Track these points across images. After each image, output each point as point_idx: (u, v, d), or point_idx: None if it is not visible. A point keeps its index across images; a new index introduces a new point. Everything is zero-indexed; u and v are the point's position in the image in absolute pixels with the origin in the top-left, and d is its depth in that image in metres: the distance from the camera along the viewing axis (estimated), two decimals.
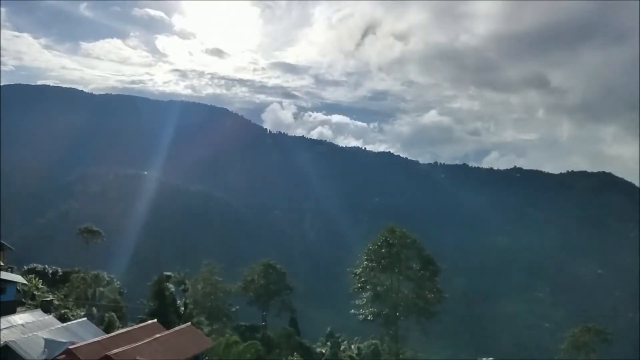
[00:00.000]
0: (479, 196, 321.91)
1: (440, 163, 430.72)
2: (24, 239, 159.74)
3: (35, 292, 56.98)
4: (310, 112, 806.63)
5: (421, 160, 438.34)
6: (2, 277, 44.08)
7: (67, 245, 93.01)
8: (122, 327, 48.13)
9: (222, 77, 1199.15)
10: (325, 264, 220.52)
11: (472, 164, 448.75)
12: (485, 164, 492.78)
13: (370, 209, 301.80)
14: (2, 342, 32.58)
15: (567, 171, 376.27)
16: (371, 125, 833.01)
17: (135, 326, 41.11)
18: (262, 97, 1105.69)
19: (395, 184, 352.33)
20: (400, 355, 52.56)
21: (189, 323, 45.44)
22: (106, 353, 29.56)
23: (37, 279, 61.71)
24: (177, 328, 40.73)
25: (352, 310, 51.28)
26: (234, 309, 68.54)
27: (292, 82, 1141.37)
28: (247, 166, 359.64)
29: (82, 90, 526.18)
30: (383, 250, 49.37)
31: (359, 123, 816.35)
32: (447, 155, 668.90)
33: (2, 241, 53.97)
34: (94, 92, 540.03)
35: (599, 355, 61.01)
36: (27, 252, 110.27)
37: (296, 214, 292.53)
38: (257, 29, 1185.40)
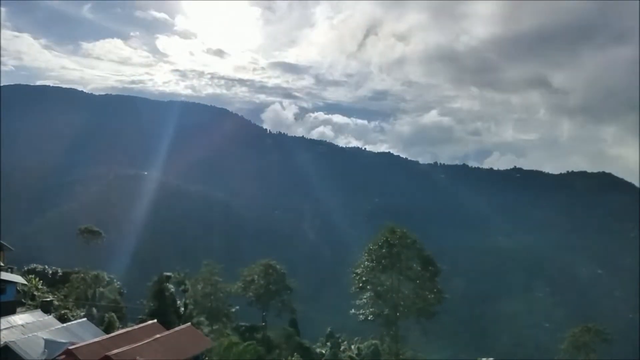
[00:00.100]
0: (479, 196, 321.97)
1: (440, 163, 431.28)
2: (24, 239, 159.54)
3: (35, 293, 57.03)
4: (310, 112, 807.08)
5: (421, 161, 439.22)
6: (2, 277, 44.08)
7: (67, 245, 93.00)
8: (122, 328, 48.18)
9: (222, 77, 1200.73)
10: (325, 264, 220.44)
11: (472, 164, 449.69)
12: (485, 164, 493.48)
13: (370, 209, 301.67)
14: (2, 343, 32.59)
15: (567, 171, 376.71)
16: (371, 126, 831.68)
17: (135, 326, 41.13)
18: (262, 97, 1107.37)
19: (395, 184, 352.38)
20: (400, 356, 52.53)
21: (189, 323, 45.48)
22: (106, 353, 29.58)
23: (37, 279, 61.77)
24: (177, 328, 40.77)
25: (352, 311, 51.24)
26: (234, 310, 68.46)
27: (292, 82, 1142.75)
28: (247, 166, 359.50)
29: (82, 91, 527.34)
30: (383, 251, 49.35)
31: (359, 123, 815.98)
32: (447, 156, 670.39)
33: (2, 241, 53.94)
34: (93, 92, 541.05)
35: (599, 355, 60.99)
36: (27, 252, 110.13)
37: (296, 214, 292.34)
38: (257, 29, 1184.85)
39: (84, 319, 44.93)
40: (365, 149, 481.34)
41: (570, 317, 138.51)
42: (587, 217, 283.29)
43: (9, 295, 43.92)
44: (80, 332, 38.80)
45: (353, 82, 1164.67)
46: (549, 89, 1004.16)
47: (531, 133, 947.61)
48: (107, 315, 54.61)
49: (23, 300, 51.13)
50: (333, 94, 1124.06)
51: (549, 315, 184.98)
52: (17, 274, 55.10)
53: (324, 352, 67.51)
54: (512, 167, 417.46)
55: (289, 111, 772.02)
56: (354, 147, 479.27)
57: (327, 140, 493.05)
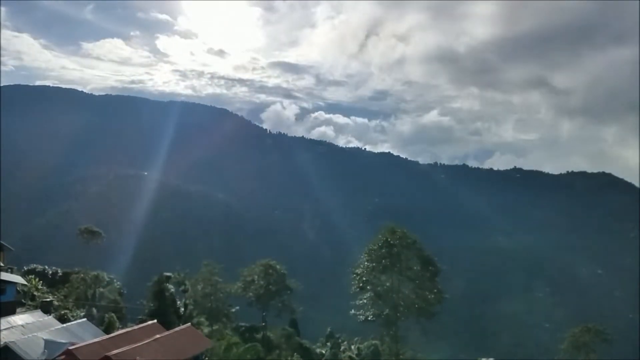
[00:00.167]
0: (479, 196, 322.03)
1: (440, 163, 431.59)
2: (24, 239, 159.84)
3: (35, 293, 57.00)
4: (310, 112, 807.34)
5: (421, 161, 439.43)
6: (2, 277, 44.03)
7: (67, 245, 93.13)
8: (122, 328, 48.14)
9: (222, 77, 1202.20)
10: (325, 264, 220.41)
11: (472, 164, 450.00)
12: (485, 164, 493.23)
13: (370, 209, 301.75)
14: (2, 343, 32.58)
15: (567, 171, 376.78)
16: (371, 126, 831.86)
17: (135, 327, 41.10)
18: (262, 97, 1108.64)
19: (395, 184, 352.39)
20: (400, 356, 52.52)
21: (188, 324, 45.46)
22: (106, 354, 29.57)
23: (37, 279, 61.74)
24: (177, 329, 40.73)
25: (353, 311, 51.22)
26: (234, 310, 68.45)
27: (292, 82, 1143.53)
28: (247, 166, 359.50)
29: (81, 91, 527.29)
30: (383, 251, 49.31)
31: (359, 123, 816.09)
32: (447, 156, 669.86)
33: (2, 242, 53.89)
34: (93, 93, 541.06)
35: (599, 355, 61.00)
36: (27, 252, 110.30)
37: (296, 214, 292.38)
38: (258, 29, 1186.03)
39: (84, 319, 44.88)
40: (365, 149, 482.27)
41: (570, 317, 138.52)
42: (587, 217, 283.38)
43: (8, 295, 43.88)
44: (80, 332, 38.78)
45: (353, 82, 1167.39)
46: (549, 89, 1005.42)
47: (531, 133, 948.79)
48: (107, 315, 54.59)
49: (23, 300, 51.11)
50: (333, 94, 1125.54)
51: (549, 315, 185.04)
52: (17, 274, 55.09)
53: (324, 352, 67.49)
54: (512, 167, 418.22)
55: (289, 111, 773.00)
56: (354, 147, 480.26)
57: (327, 140, 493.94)
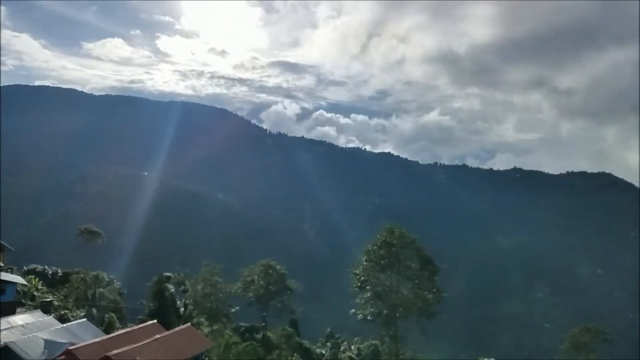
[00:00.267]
0: (479, 196, 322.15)
1: (440, 163, 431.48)
2: (24, 239, 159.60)
3: (35, 293, 56.99)
4: (310, 112, 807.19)
5: (421, 161, 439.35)
6: (2, 277, 44.03)
7: (67, 245, 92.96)
8: (122, 328, 48.17)
9: (222, 77, 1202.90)
10: (325, 264, 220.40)
11: (472, 164, 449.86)
12: (485, 164, 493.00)
13: (370, 209, 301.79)
14: (2, 343, 32.59)
15: (567, 171, 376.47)
16: (371, 126, 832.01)
17: (135, 327, 41.10)
18: (262, 97, 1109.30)
19: (395, 184, 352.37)
20: (400, 356, 52.47)
21: (188, 324, 45.46)
22: (106, 354, 29.58)
23: (37, 279, 61.74)
24: (177, 329, 40.74)
25: (352, 311, 51.19)
26: (233, 310, 68.38)
27: (292, 81, 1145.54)
28: (247, 166, 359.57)
29: (81, 91, 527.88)
30: (382, 251, 49.25)
31: (360, 123, 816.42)
32: (447, 156, 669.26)
33: (2, 242, 53.89)
34: (93, 93, 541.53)
35: (599, 355, 60.99)
36: (27, 252, 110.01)
37: (296, 214, 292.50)
38: (258, 29, 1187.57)
39: (84, 319, 44.88)
40: (365, 149, 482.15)
41: (570, 317, 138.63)
42: (587, 217, 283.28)
43: (8, 295, 43.87)
44: (80, 332, 38.79)
45: (353, 82, 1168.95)
46: (550, 89, 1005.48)
47: (531, 133, 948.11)
48: (107, 315, 54.62)
49: (23, 300, 51.11)
50: (333, 94, 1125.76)
51: (549, 315, 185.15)
52: (17, 275, 55.08)
53: (324, 352, 67.50)
54: (512, 167, 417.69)
55: (289, 111, 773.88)
56: (354, 147, 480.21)
57: (327, 140, 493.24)
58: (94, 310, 58.38)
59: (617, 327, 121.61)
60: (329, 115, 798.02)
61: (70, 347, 30.96)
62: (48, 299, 50.36)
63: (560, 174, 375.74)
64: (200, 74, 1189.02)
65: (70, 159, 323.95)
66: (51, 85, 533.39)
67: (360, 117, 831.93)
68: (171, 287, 62.03)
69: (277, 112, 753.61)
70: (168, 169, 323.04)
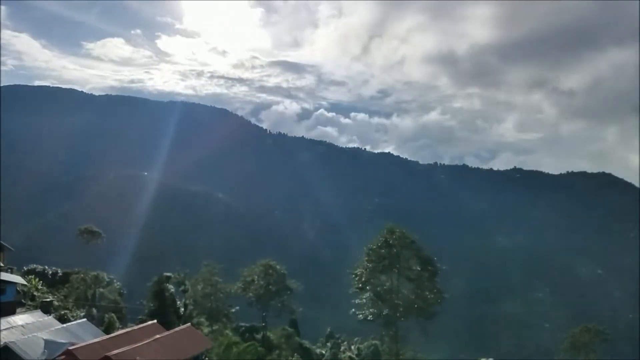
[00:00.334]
0: (479, 197, 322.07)
1: (440, 163, 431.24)
2: (24, 239, 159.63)
3: (35, 293, 57.01)
4: (310, 112, 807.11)
5: (421, 161, 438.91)
6: (2, 278, 44.04)
7: (67, 246, 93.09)
8: (122, 328, 48.16)
9: (222, 77, 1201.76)
10: (325, 264, 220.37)
11: (472, 164, 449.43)
12: (486, 164, 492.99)
13: (370, 209, 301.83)
14: (2, 343, 32.59)
15: (567, 172, 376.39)
16: (371, 126, 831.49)
17: (135, 327, 41.09)
18: (262, 97, 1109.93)
19: (395, 184, 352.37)
20: (400, 356, 52.50)
21: (188, 324, 45.46)
22: (106, 354, 29.57)
23: (37, 279, 61.77)
24: (177, 329, 40.73)
25: (353, 311, 51.22)
26: (233, 310, 68.41)
27: (292, 81, 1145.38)
28: (247, 166, 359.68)
29: (81, 91, 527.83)
30: (383, 251, 49.30)
31: (360, 123, 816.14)
32: (447, 156, 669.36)
33: (2, 242, 53.89)
34: (93, 93, 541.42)
35: (599, 355, 61.06)
36: (27, 252, 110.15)
37: (296, 214, 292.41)
38: (258, 29, 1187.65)
39: (84, 319, 44.87)
40: (365, 149, 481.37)
41: (570, 318, 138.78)
42: (587, 217, 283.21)
43: (8, 295, 43.88)
44: (80, 332, 38.77)
45: (353, 82, 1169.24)
46: (550, 89, 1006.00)
47: (531, 133, 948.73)
48: (107, 315, 54.62)
49: (23, 300, 51.12)
50: (333, 94, 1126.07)
51: (549, 315, 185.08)
52: (17, 275, 55.09)
53: (324, 352, 67.54)
54: (512, 167, 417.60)
55: (289, 111, 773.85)
56: (354, 147, 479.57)
57: (327, 140, 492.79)
58: (94, 310, 58.40)
59: (617, 327, 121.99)
60: (329, 115, 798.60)
61: (70, 347, 30.96)
62: (48, 299, 50.38)
63: (560, 174, 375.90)
64: (200, 74, 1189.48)
65: (70, 159, 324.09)
66: (51, 85, 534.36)
67: (361, 117, 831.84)
68: (171, 287, 62.04)
69: (277, 112, 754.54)
70: (168, 169, 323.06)
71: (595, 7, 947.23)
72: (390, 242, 48.84)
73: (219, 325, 62.40)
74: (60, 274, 70.46)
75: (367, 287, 49.84)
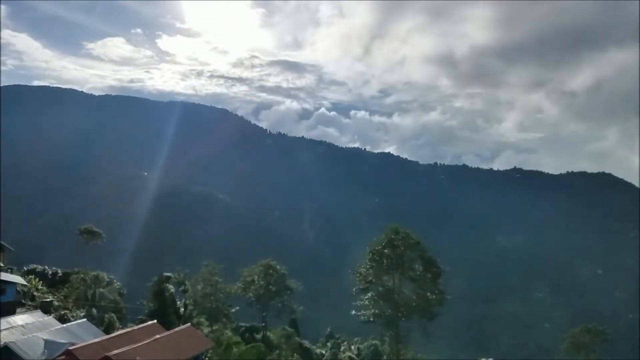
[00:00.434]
0: (479, 197, 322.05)
1: (440, 164, 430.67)
2: (24, 239, 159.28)
3: (35, 293, 57.01)
4: (310, 112, 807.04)
5: (421, 161, 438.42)
6: (2, 278, 44.03)
7: (67, 246, 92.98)
8: (122, 328, 48.15)
9: (222, 76, 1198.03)
10: (326, 264, 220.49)
11: (472, 164, 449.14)
12: (486, 164, 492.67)
13: (370, 209, 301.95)
14: (2, 343, 32.57)
15: (567, 171, 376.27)
16: (371, 126, 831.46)
17: (135, 327, 41.08)
18: (262, 97, 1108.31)
19: (395, 184, 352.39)
20: (401, 356, 52.46)
21: (188, 324, 45.45)
22: (106, 354, 29.55)
23: (37, 279, 61.76)
24: (177, 329, 40.72)
25: (354, 312, 51.15)
26: (233, 310, 68.36)
27: (292, 81, 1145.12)
28: (247, 166, 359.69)
29: (81, 91, 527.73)
30: (386, 251, 49.20)
31: (360, 123, 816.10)
32: (447, 156, 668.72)
33: (2, 242, 53.90)
34: (93, 93, 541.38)
35: (599, 355, 61.09)
36: (27, 253, 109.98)
37: (296, 214, 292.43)
38: (258, 29, 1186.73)
39: (84, 319, 44.87)
40: (365, 149, 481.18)
41: (570, 318, 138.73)
42: (587, 217, 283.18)
43: (8, 295, 43.87)
44: (80, 332, 38.77)
45: (353, 82, 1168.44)
46: (550, 89, 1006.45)
47: (531, 133, 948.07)
48: (107, 315, 54.63)
49: (23, 300, 51.11)
50: (334, 94, 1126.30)
51: (549, 316, 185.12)
52: (17, 275, 55.08)
53: (324, 352, 67.55)
54: (512, 167, 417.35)
55: (289, 111, 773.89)
56: (354, 147, 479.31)
57: (327, 140, 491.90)
58: (94, 310, 58.39)
59: (617, 327, 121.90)
60: (329, 115, 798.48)
61: (70, 347, 30.92)
62: (48, 299, 50.41)
63: (560, 174, 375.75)
64: (200, 73, 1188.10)
65: (70, 159, 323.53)
66: (51, 85, 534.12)
67: (361, 117, 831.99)
68: (171, 287, 62.01)
69: (277, 112, 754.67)
70: (168, 169, 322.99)
71: (596, 7, 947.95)
72: (395, 242, 48.75)
73: (219, 325, 62.39)
74: (60, 274, 70.43)
75: (370, 287, 49.77)
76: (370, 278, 49.48)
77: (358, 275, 50.11)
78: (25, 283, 52.98)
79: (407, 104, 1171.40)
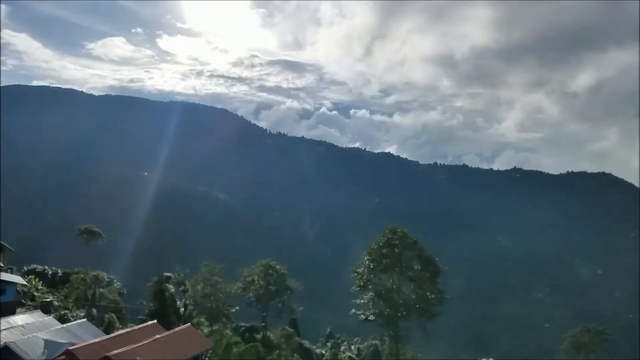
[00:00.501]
0: (479, 197, 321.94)
1: (440, 163, 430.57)
2: (24, 239, 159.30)
3: (35, 293, 57.03)
4: (311, 112, 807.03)
5: (421, 161, 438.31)
6: (2, 278, 44.04)
7: (67, 245, 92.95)
8: (122, 328, 48.16)
9: (222, 76, 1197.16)
10: (325, 264, 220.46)
11: (472, 164, 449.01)
12: (486, 164, 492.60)
13: (370, 209, 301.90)
14: (2, 343, 32.58)
15: (567, 171, 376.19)
16: (371, 126, 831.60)
17: (135, 327, 41.09)
18: (262, 97, 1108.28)
19: (395, 184, 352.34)
20: (401, 356, 52.47)
21: (188, 324, 45.45)
22: (106, 354, 29.55)
23: (37, 279, 61.80)
24: (177, 329, 40.73)
25: (353, 311, 51.17)
26: (233, 310, 68.36)
27: (292, 81, 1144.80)
28: (247, 166, 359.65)
29: (81, 91, 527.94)
30: (384, 251, 49.26)
31: (360, 123, 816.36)
32: (448, 156, 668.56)
33: (2, 242, 53.89)
34: (93, 93, 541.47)
35: (599, 355, 61.09)
36: (27, 253, 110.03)
37: (296, 214, 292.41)
38: (259, 28, 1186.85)
39: (84, 319, 44.89)
40: (365, 149, 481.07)
41: (570, 318, 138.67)
42: (587, 217, 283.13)
43: (8, 295, 43.88)
44: (80, 332, 38.78)
45: (353, 82, 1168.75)
46: (550, 90, 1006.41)
47: (532, 133, 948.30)
48: (107, 315, 54.64)
49: (23, 300, 51.13)
50: (335, 94, 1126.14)
51: (549, 316, 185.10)
52: (17, 275, 55.08)
53: (324, 352, 67.56)
54: (512, 167, 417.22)
55: (289, 111, 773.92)
56: (354, 147, 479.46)
57: (327, 140, 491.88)
58: (94, 310, 58.42)
59: (617, 327, 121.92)
60: (329, 115, 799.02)
61: (70, 347, 30.93)
62: (48, 299, 50.41)
63: (560, 174, 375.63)
64: (200, 73, 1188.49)
65: (70, 159, 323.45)
66: (50, 85, 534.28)
67: (361, 117, 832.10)
68: (171, 287, 62.03)
69: (277, 112, 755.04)
70: (168, 169, 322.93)
71: (596, 7, 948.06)
72: (393, 242, 48.79)
73: (219, 325, 62.39)
74: (60, 274, 70.47)
75: (369, 287, 49.79)
76: (369, 277, 49.50)
77: (356, 274, 50.14)
78: (25, 283, 52.99)
79: (408, 104, 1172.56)
